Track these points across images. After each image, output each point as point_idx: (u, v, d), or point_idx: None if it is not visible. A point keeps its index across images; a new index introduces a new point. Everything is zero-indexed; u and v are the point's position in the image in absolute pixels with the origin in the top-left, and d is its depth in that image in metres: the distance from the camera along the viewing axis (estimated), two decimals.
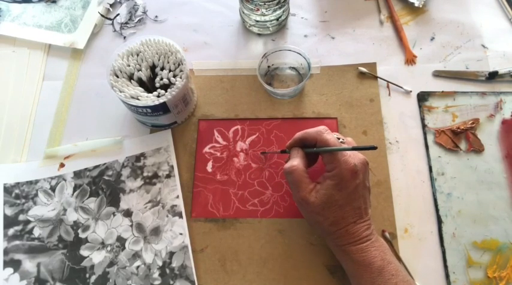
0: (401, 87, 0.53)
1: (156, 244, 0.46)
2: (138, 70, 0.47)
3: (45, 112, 0.54)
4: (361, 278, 0.38)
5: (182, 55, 0.48)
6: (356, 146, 0.38)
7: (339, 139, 0.41)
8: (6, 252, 0.46)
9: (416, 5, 0.59)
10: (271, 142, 0.51)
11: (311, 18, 0.60)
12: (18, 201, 0.48)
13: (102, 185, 0.49)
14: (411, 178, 0.48)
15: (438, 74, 0.54)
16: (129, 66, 0.47)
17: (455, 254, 0.44)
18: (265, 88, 0.52)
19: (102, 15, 0.61)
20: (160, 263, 0.45)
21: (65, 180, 0.49)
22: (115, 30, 0.60)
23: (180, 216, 0.47)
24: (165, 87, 0.47)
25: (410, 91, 0.53)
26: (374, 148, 0.35)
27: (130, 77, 0.48)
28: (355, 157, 0.39)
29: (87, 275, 0.45)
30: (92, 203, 0.48)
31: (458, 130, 0.50)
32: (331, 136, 0.40)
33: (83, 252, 0.46)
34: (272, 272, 0.44)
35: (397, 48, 0.57)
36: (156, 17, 0.61)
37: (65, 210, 0.48)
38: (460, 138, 0.50)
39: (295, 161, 0.41)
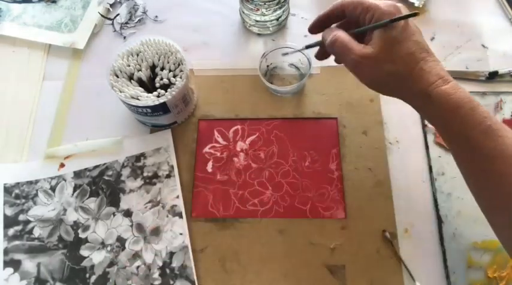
0: None
1: (156, 244, 0.46)
2: (138, 70, 0.47)
3: (45, 112, 0.54)
4: (448, 126, 0.35)
5: (182, 56, 0.48)
6: (395, 17, 0.35)
7: None
8: (6, 252, 0.46)
9: (416, 5, 0.59)
10: (271, 142, 0.51)
11: (311, 18, 0.59)
12: (18, 201, 0.48)
13: (102, 185, 0.49)
14: (411, 178, 0.48)
15: None
16: (129, 66, 0.47)
17: (455, 254, 0.44)
18: (268, 87, 0.52)
19: (102, 15, 0.61)
20: (160, 263, 0.45)
21: (65, 180, 0.49)
22: (115, 30, 0.60)
23: (180, 216, 0.47)
24: (165, 87, 0.47)
25: None
26: (415, 14, 0.33)
27: (131, 77, 0.48)
28: (388, 4, 0.36)
29: (87, 275, 0.45)
30: (92, 203, 0.48)
31: None
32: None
33: (83, 252, 0.46)
34: (272, 272, 0.44)
35: None
36: (156, 17, 0.61)
37: (65, 210, 0.48)
38: None
39: (334, 31, 0.38)
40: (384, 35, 0.35)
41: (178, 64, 0.48)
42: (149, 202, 0.48)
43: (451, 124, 0.34)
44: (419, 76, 0.35)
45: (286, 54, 0.51)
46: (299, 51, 0.49)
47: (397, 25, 0.35)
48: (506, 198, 0.32)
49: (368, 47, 0.36)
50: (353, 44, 0.37)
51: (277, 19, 0.56)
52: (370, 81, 0.38)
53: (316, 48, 0.46)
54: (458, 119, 0.34)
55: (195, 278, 0.44)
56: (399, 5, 0.36)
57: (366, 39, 0.38)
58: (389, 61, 0.35)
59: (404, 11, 0.36)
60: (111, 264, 0.45)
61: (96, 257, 0.45)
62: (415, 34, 0.36)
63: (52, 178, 0.50)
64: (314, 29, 0.42)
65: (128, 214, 0.47)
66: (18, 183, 0.49)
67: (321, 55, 0.45)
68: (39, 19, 0.61)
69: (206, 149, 0.51)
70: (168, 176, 0.49)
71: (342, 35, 0.38)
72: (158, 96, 0.46)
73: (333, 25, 0.42)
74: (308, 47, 0.46)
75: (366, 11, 0.37)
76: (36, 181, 0.49)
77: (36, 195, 0.49)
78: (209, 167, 0.50)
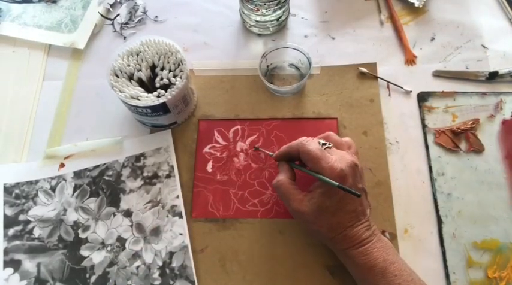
0: (401, 87, 0.53)
1: (156, 244, 0.46)
2: (138, 71, 0.47)
3: (45, 112, 0.54)
4: (364, 281, 0.38)
5: (182, 56, 0.48)
6: (339, 185, 0.37)
7: (324, 144, 0.40)
8: (6, 252, 0.46)
9: (416, 5, 0.59)
10: (271, 143, 0.51)
11: (311, 19, 0.60)
12: (18, 201, 0.48)
13: (102, 186, 0.49)
14: (411, 179, 0.48)
15: (438, 74, 0.54)
16: (129, 66, 0.47)
17: (455, 255, 0.44)
18: (268, 87, 0.52)
19: (102, 16, 0.61)
20: (160, 263, 0.45)
21: (65, 180, 0.49)
22: (115, 30, 0.60)
23: (180, 216, 0.47)
24: (165, 87, 0.47)
25: (411, 92, 0.53)
26: (357, 195, 0.36)
27: (131, 77, 0.48)
28: (342, 161, 0.38)
29: (87, 275, 0.45)
30: (92, 203, 0.48)
31: (459, 130, 0.50)
32: (312, 146, 0.39)
33: (83, 252, 0.46)
34: (272, 272, 0.44)
35: (397, 48, 0.57)
36: (156, 17, 0.61)
37: (65, 210, 0.48)
38: (460, 138, 0.50)
39: (281, 176, 0.42)
40: (320, 200, 0.38)
41: (179, 65, 0.48)
42: (149, 202, 0.48)
43: (366, 280, 0.38)
44: (340, 240, 0.39)
45: (258, 149, 0.50)
46: (267, 153, 0.49)
47: (334, 194, 0.38)
48: None
49: (303, 205, 0.39)
50: (293, 195, 0.40)
51: (277, 19, 0.56)
52: (303, 226, 0.43)
53: None
54: (372, 276, 0.37)
55: (195, 278, 0.44)
56: (350, 162, 0.39)
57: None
58: (317, 224, 0.39)
59: (349, 171, 0.38)
60: (111, 264, 0.45)
61: (96, 257, 0.45)
62: (350, 203, 0.38)
63: (52, 178, 0.50)
64: (277, 160, 0.45)
65: (128, 214, 0.47)
66: (18, 183, 0.49)
67: None
68: (39, 19, 0.61)
69: (206, 149, 0.51)
70: (168, 176, 0.49)
71: (286, 182, 0.41)
72: (158, 96, 0.46)
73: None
74: (256, 149, 0.50)
75: (315, 170, 0.39)
76: (36, 181, 0.49)
77: (36, 195, 0.49)
78: (209, 167, 0.50)
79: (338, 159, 0.38)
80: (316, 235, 0.41)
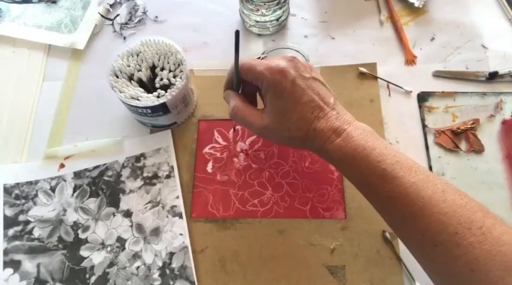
0: (401, 87, 0.53)
1: (156, 245, 0.46)
2: (138, 71, 0.47)
3: (45, 112, 0.54)
4: (350, 175, 0.36)
5: (182, 56, 0.48)
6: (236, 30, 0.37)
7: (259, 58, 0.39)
8: (6, 252, 0.46)
9: (416, 5, 0.59)
10: (271, 143, 0.51)
11: (311, 19, 0.60)
12: (18, 201, 0.48)
13: (102, 186, 0.49)
14: None
15: (438, 74, 0.54)
16: (129, 66, 0.47)
17: None
18: None
19: (102, 16, 0.61)
20: (160, 264, 0.45)
21: (65, 180, 0.49)
22: (115, 31, 0.60)
23: (180, 216, 0.47)
24: (165, 87, 0.47)
25: (411, 92, 0.53)
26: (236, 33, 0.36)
27: (131, 77, 0.48)
28: (278, 59, 0.37)
29: (87, 276, 0.45)
30: (91, 203, 0.48)
31: (459, 130, 0.50)
32: (244, 60, 0.39)
33: (83, 252, 0.46)
34: (272, 272, 0.44)
35: (397, 48, 0.57)
36: (156, 17, 0.61)
37: (65, 210, 0.48)
38: (460, 138, 0.50)
39: (232, 102, 0.40)
40: (274, 104, 0.37)
41: (178, 65, 0.48)
42: (149, 202, 0.48)
43: (351, 173, 0.36)
44: (313, 137, 0.36)
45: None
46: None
47: (282, 91, 0.36)
48: (415, 237, 0.33)
49: (264, 118, 0.38)
50: (251, 115, 0.39)
51: (277, 19, 0.56)
52: (277, 143, 0.40)
53: None
54: (355, 168, 0.34)
55: (195, 278, 0.44)
56: (289, 58, 0.37)
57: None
58: (285, 129, 0.37)
59: (292, 64, 0.37)
60: (111, 264, 0.45)
61: (96, 258, 0.45)
62: (304, 94, 0.36)
63: (52, 179, 0.50)
64: (226, 88, 0.43)
65: (127, 214, 0.47)
66: (18, 183, 0.49)
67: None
68: (39, 19, 0.61)
69: (206, 149, 0.51)
70: (168, 176, 0.49)
71: (239, 106, 0.39)
72: (158, 97, 0.46)
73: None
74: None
75: (256, 79, 0.38)
76: (36, 182, 0.49)
77: (36, 195, 0.49)
78: (209, 167, 0.50)
79: (273, 59, 0.37)
80: (293, 142, 0.38)
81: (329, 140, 0.35)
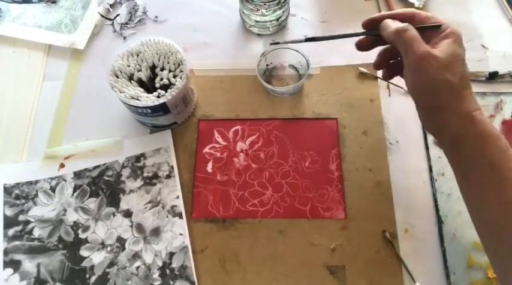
0: (401, 88, 0.53)
1: (156, 245, 0.46)
2: (138, 71, 0.47)
3: (45, 112, 0.54)
4: (484, 154, 0.34)
5: (182, 56, 0.48)
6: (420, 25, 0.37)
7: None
8: (6, 252, 0.46)
9: (416, 5, 0.59)
10: (271, 143, 0.51)
11: (311, 19, 0.60)
12: (18, 201, 0.48)
13: (102, 186, 0.49)
14: (411, 179, 0.48)
15: None
16: (129, 66, 0.47)
17: (455, 254, 0.44)
18: (265, 87, 0.52)
19: (102, 16, 0.61)
20: (160, 264, 0.45)
21: (65, 180, 0.49)
22: (115, 31, 0.60)
23: (180, 216, 0.47)
24: (165, 87, 0.47)
25: None
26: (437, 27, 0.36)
27: (131, 77, 0.48)
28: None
29: (87, 276, 0.45)
30: (92, 203, 0.48)
31: None
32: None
33: (83, 252, 0.46)
34: (272, 272, 0.44)
35: None
36: (156, 17, 0.61)
37: (65, 210, 0.48)
38: None
39: (405, 25, 0.38)
40: (452, 47, 0.36)
41: (178, 65, 0.48)
42: (149, 202, 0.48)
43: (486, 153, 0.34)
44: (467, 98, 0.35)
45: (276, 43, 0.49)
46: (298, 42, 0.46)
47: (462, 44, 0.37)
48: None
49: (435, 49, 0.36)
50: (421, 41, 0.36)
51: (277, 19, 0.56)
52: (427, 81, 0.36)
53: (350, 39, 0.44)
54: (495, 149, 0.33)
55: (195, 278, 0.44)
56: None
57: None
58: (451, 71, 0.35)
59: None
60: (111, 264, 0.45)
61: (96, 258, 0.45)
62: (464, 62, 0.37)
63: (52, 179, 0.50)
64: (370, 24, 0.42)
65: (127, 214, 0.47)
66: (18, 183, 0.49)
67: (364, 46, 0.44)
68: (39, 19, 0.61)
69: (206, 149, 0.51)
70: (168, 176, 0.49)
71: (413, 28, 0.37)
72: (158, 97, 0.46)
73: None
74: (312, 39, 0.44)
75: (434, 22, 0.38)
76: (36, 182, 0.49)
77: (36, 195, 0.49)
78: (209, 167, 0.50)
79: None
80: (443, 87, 0.35)
81: (479, 111, 0.35)
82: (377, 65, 0.44)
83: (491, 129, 0.34)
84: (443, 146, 0.38)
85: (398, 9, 0.40)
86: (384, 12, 0.41)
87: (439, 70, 0.35)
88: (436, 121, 0.37)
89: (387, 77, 0.46)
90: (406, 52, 0.37)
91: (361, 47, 0.44)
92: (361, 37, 0.43)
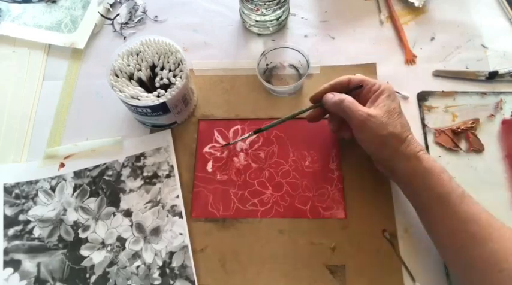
0: (398, 93, 0.53)
1: (156, 244, 0.46)
2: (138, 70, 0.47)
3: (45, 112, 0.54)
4: (431, 188, 0.39)
5: (182, 55, 0.48)
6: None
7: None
8: (6, 252, 0.46)
9: (416, 5, 0.59)
10: (271, 142, 0.51)
11: (311, 18, 0.60)
12: (18, 201, 0.48)
13: (102, 185, 0.49)
14: None
15: (438, 74, 0.54)
16: (129, 66, 0.47)
17: None
18: (265, 86, 0.52)
19: (102, 15, 0.61)
20: (160, 263, 0.45)
21: (65, 180, 0.49)
22: (115, 30, 0.60)
23: (180, 216, 0.47)
24: (165, 87, 0.47)
25: (408, 97, 0.53)
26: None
27: (131, 77, 0.48)
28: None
29: (87, 275, 0.45)
30: (92, 203, 0.48)
31: (459, 130, 0.50)
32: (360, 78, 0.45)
33: (83, 252, 0.46)
34: (272, 272, 0.44)
35: (397, 48, 0.57)
36: (156, 17, 0.61)
37: (65, 210, 0.48)
38: (460, 138, 0.50)
39: (339, 94, 0.43)
40: (387, 102, 0.42)
41: (178, 64, 0.48)
42: (149, 202, 0.48)
43: (434, 186, 0.39)
44: (412, 141, 0.41)
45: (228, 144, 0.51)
46: (246, 137, 0.50)
47: (395, 97, 0.43)
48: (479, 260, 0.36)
49: (372, 110, 0.41)
50: (359, 105, 0.42)
51: (277, 19, 0.56)
52: (372, 137, 0.41)
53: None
54: (440, 182, 0.38)
55: (195, 278, 0.44)
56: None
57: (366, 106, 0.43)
58: (392, 124, 0.40)
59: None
60: (111, 264, 0.45)
61: (96, 257, 0.45)
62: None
63: (52, 178, 0.50)
64: (315, 99, 0.46)
65: (127, 213, 0.47)
66: (18, 183, 0.49)
67: (315, 118, 0.48)
68: (39, 19, 0.61)
69: (206, 149, 0.51)
70: (168, 176, 0.49)
71: (348, 97, 0.43)
72: (158, 96, 0.46)
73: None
74: (259, 130, 0.48)
75: (368, 84, 0.44)
76: (36, 181, 0.49)
77: (36, 195, 0.49)
78: (209, 167, 0.50)
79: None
80: (388, 141, 0.40)
81: (423, 151, 0.40)
82: (334, 129, 0.47)
83: (436, 164, 0.40)
84: (398, 184, 0.44)
85: (336, 79, 0.45)
86: (324, 85, 0.45)
87: (381, 126, 0.40)
88: (388, 165, 0.42)
89: (313, 119, 0.48)
90: (349, 118, 0.42)
91: (313, 119, 0.48)
92: (311, 111, 0.47)
